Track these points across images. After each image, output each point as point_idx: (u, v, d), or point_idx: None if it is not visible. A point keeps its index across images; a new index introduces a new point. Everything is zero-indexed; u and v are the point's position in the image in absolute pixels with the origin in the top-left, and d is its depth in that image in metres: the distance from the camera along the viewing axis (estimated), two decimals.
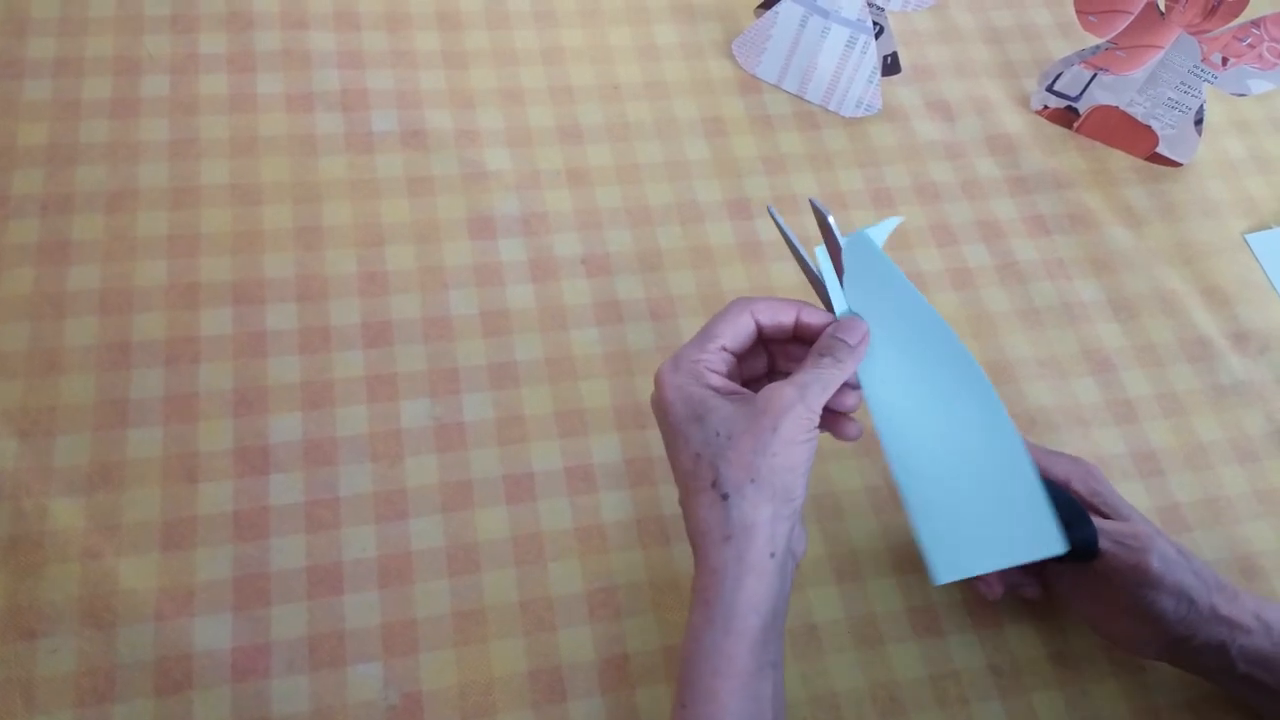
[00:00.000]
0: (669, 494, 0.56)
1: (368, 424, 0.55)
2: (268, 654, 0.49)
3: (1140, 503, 0.59)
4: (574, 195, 0.65)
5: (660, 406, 0.44)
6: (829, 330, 0.45)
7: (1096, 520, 0.48)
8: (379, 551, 0.52)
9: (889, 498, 0.57)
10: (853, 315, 0.47)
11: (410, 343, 0.58)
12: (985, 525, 0.45)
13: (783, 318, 0.46)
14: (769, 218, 0.66)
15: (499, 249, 0.62)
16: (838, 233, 0.46)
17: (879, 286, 0.46)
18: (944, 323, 0.45)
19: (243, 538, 0.52)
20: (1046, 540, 0.44)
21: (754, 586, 0.41)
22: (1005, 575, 0.52)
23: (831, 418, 0.46)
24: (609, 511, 0.55)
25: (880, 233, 0.47)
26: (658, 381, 0.44)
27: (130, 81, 0.65)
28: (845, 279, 0.47)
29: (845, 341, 0.45)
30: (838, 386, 0.44)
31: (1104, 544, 0.47)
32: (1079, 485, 0.50)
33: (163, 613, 0.49)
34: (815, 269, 0.47)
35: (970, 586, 0.52)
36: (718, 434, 0.42)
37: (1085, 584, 0.50)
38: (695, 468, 0.42)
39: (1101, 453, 0.60)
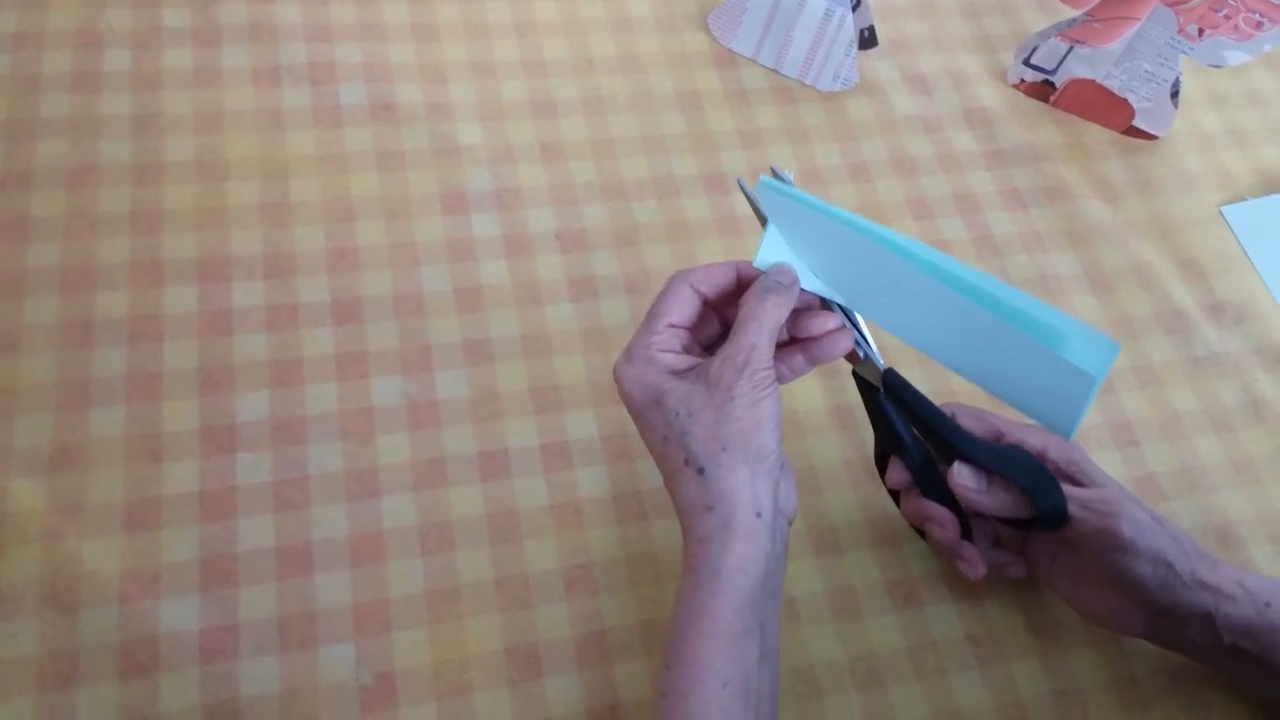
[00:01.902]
0: (645, 469, 0.55)
1: (337, 402, 0.54)
2: (236, 635, 0.48)
3: (1117, 473, 0.59)
4: (548, 170, 0.64)
5: (623, 399, 0.45)
6: (763, 274, 0.45)
7: (1067, 488, 0.47)
8: (350, 531, 0.51)
9: (866, 471, 0.57)
10: (780, 264, 0.46)
11: (381, 319, 0.57)
12: (1046, 379, 0.43)
13: (722, 280, 0.46)
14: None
15: (472, 224, 0.61)
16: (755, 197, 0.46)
17: (805, 225, 0.45)
18: (865, 227, 0.44)
19: (209, 518, 0.50)
20: (1085, 376, 0.42)
21: (741, 549, 0.41)
22: (991, 555, 0.51)
23: (807, 345, 0.47)
24: (585, 488, 0.54)
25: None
26: (615, 376, 0.45)
27: (92, 55, 0.63)
28: (782, 232, 0.46)
29: (779, 281, 0.45)
30: (780, 324, 0.44)
31: (1074, 509, 0.47)
32: (1055, 454, 0.49)
33: (127, 595, 0.48)
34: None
35: (951, 565, 0.52)
36: (678, 414, 0.42)
37: (1062, 559, 0.50)
38: (665, 450, 0.43)
39: None
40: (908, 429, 0.50)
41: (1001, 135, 0.71)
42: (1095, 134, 0.72)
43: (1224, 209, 0.70)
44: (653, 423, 0.43)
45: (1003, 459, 0.47)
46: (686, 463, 0.42)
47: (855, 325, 0.48)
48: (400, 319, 0.57)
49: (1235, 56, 0.64)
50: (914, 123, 0.70)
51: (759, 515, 0.41)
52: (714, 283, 0.46)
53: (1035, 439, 0.49)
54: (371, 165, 0.62)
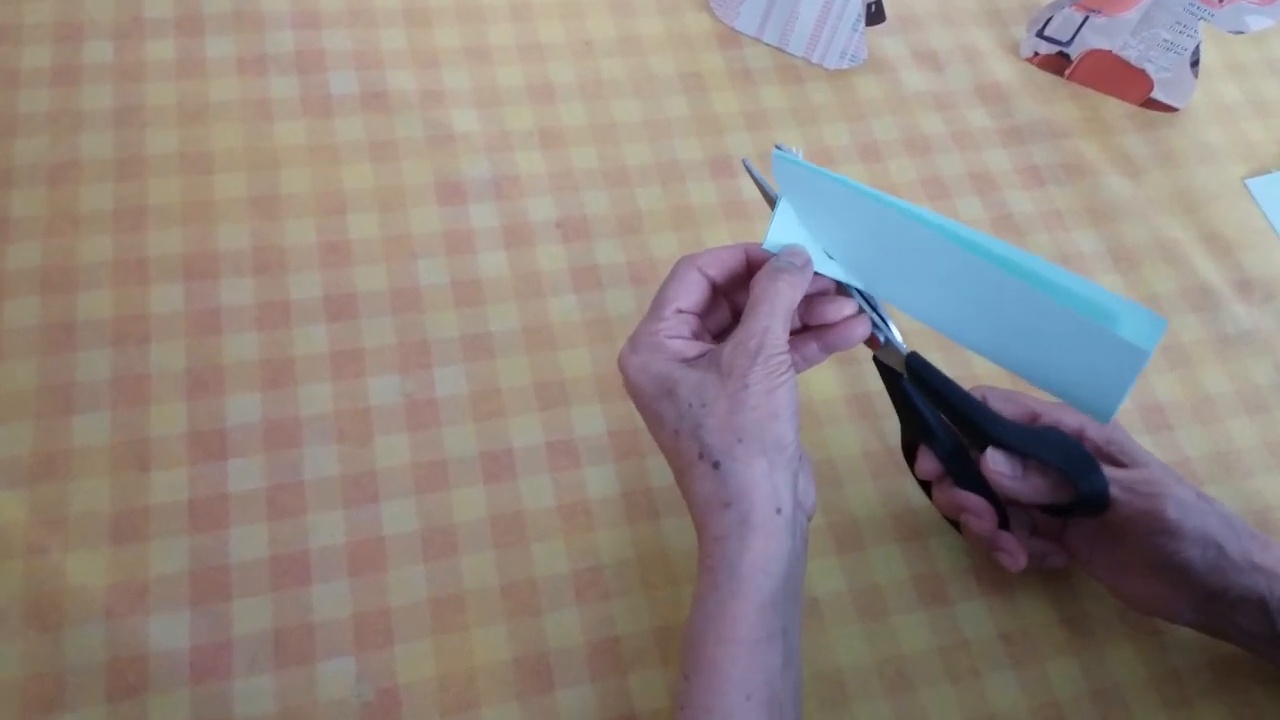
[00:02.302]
0: (656, 466, 0.53)
1: (333, 403, 0.52)
2: (229, 652, 0.46)
3: None
4: (547, 157, 0.61)
5: (629, 391, 0.42)
6: (771, 261, 0.43)
7: (1108, 470, 0.45)
8: (348, 538, 0.49)
9: (888, 462, 0.54)
10: (792, 245, 0.44)
11: (377, 316, 0.55)
12: (1087, 360, 0.40)
13: (731, 263, 0.44)
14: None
15: (469, 214, 0.59)
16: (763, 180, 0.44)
17: (820, 200, 0.43)
18: (885, 199, 0.41)
19: (200, 528, 0.48)
20: (1136, 351, 0.39)
21: (761, 547, 0.38)
22: (1029, 544, 0.49)
23: (821, 332, 0.44)
24: (594, 487, 0.52)
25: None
26: (620, 366, 0.42)
27: (72, 48, 0.61)
28: (795, 210, 0.44)
29: (792, 262, 0.42)
30: (793, 306, 0.42)
31: (1115, 492, 0.44)
32: (1093, 434, 0.46)
33: (114, 611, 0.45)
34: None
35: (990, 557, 0.49)
36: (691, 405, 0.40)
37: (1105, 544, 0.47)
38: (677, 444, 0.40)
39: None
40: (935, 415, 0.47)
41: (1017, 111, 0.68)
42: (1113, 107, 0.70)
43: (1248, 181, 0.67)
44: (663, 415, 0.41)
45: (1038, 441, 0.45)
46: (701, 456, 0.39)
47: (874, 309, 0.45)
48: (396, 314, 0.55)
49: (1258, 21, 0.61)
50: (925, 100, 0.68)
51: (779, 511, 0.39)
52: (723, 266, 0.44)
53: (1072, 419, 0.47)
54: (364, 155, 0.59)
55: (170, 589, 0.46)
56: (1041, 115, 0.68)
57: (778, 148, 0.44)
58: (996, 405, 0.47)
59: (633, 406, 0.53)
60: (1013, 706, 0.49)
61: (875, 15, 0.67)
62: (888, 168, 0.65)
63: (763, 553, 0.38)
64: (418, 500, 0.50)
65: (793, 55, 0.68)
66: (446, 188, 0.59)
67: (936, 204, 0.64)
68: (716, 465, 0.39)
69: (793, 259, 0.43)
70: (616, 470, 0.52)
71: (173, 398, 0.51)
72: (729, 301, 0.46)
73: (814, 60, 0.68)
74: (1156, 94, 0.69)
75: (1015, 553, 0.48)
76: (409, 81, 0.62)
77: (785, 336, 0.41)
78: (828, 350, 0.45)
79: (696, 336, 0.43)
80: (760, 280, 0.42)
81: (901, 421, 0.49)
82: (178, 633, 0.46)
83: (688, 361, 0.41)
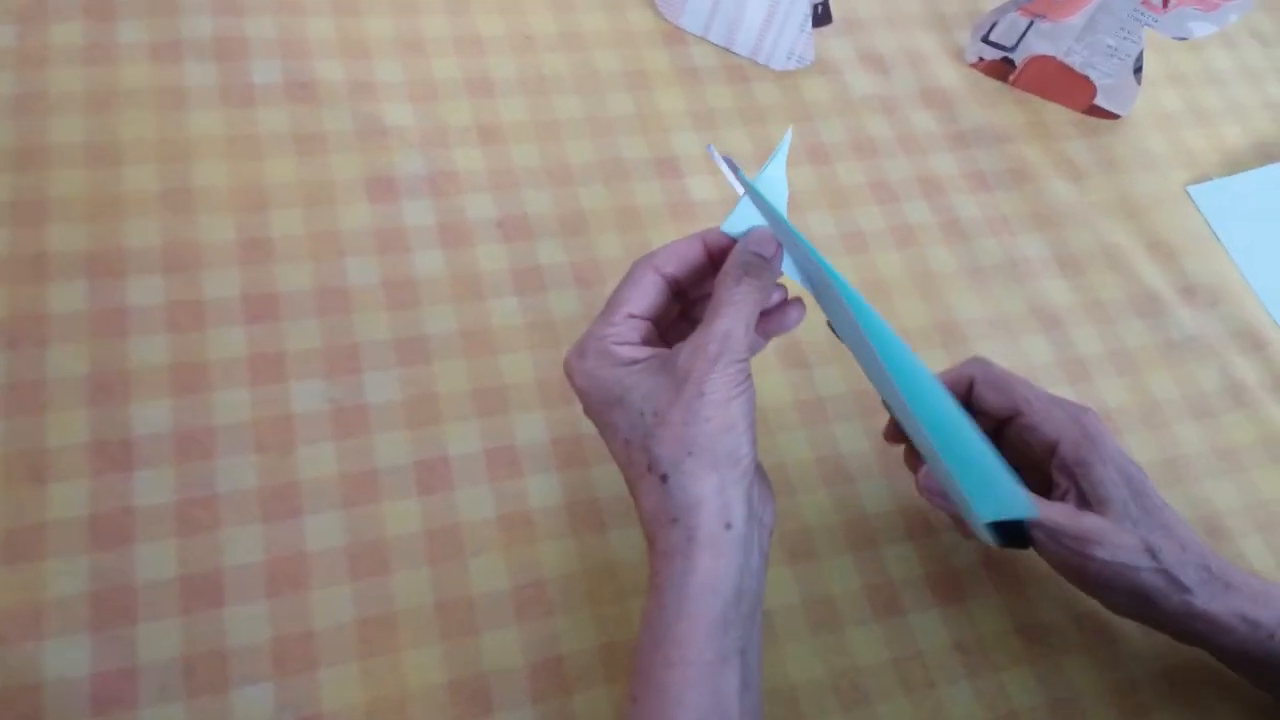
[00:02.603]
0: (602, 475, 0.50)
1: (251, 410, 0.48)
2: (134, 680, 0.42)
3: None
4: (486, 153, 0.59)
5: (578, 396, 0.40)
6: (740, 247, 0.40)
7: (1047, 508, 0.43)
8: (267, 555, 0.45)
9: (841, 469, 0.52)
10: (758, 228, 0.41)
11: (300, 317, 0.51)
12: (979, 479, 0.41)
13: (689, 256, 0.41)
14: (700, 175, 0.61)
15: (402, 212, 0.55)
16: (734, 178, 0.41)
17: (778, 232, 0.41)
18: (838, 284, 0.39)
19: (102, 545, 0.44)
20: (1018, 504, 0.41)
21: (709, 565, 0.36)
22: (937, 502, 0.46)
23: (764, 320, 0.42)
24: (536, 497, 0.49)
25: (778, 166, 0.42)
26: (566, 371, 0.40)
27: None
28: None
29: (761, 255, 0.40)
30: (758, 311, 0.39)
31: (1039, 537, 0.43)
32: (1067, 452, 0.45)
33: (5, 636, 0.41)
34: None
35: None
36: (642, 413, 0.37)
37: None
38: (628, 454, 0.38)
39: None
40: None
41: (962, 116, 0.68)
42: (1056, 113, 0.70)
43: (1190, 188, 0.68)
44: (614, 424, 0.38)
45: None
46: (650, 469, 0.37)
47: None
48: (323, 316, 0.51)
49: (1201, 28, 0.62)
50: (872, 103, 0.67)
51: (729, 527, 0.37)
52: (681, 261, 0.41)
53: (1050, 427, 0.45)
54: (288, 148, 0.56)
55: (68, 612, 0.42)
56: (986, 120, 0.68)
57: (710, 149, 0.42)
58: (983, 393, 0.46)
59: (577, 412, 0.51)
60: (969, 718, 0.47)
61: (822, 17, 0.66)
62: (835, 170, 0.63)
63: (711, 570, 0.36)
64: (345, 514, 0.47)
65: (739, 55, 0.67)
66: (378, 184, 0.56)
67: (885, 207, 0.63)
68: (664, 479, 0.37)
69: (760, 249, 0.40)
70: (560, 480, 0.50)
71: (72, 404, 0.46)
72: (688, 298, 0.43)
73: (760, 61, 0.67)
74: (1100, 100, 0.69)
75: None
76: (337, 72, 0.59)
77: (747, 342, 0.38)
78: (766, 336, 0.43)
79: (647, 342, 0.40)
80: (725, 280, 0.39)
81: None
82: (77, 660, 0.41)
83: (638, 365, 0.39)
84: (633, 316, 0.40)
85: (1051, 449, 0.45)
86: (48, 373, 0.47)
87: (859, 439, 0.53)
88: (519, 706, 0.44)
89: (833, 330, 0.44)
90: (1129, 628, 0.51)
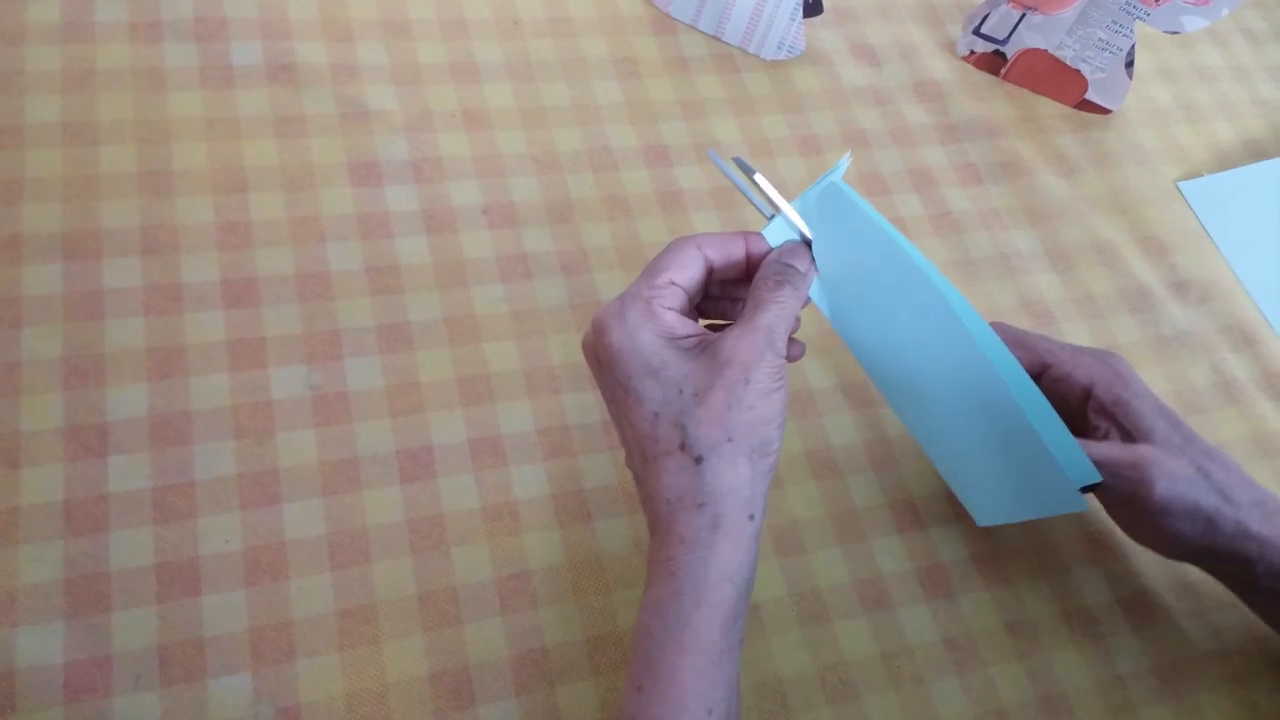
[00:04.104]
0: (588, 466, 0.49)
1: (229, 395, 0.47)
2: (109, 668, 0.40)
3: None
4: (472, 139, 0.58)
5: (606, 356, 0.38)
6: (774, 257, 0.40)
7: (1097, 448, 0.44)
8: (245, 544, 0.44)
9: (830, 462, 0.52)
10: (791, 242, 0.42)
11: (281, 302, 0.50)
12: (1006, 482, 0.43)
13: (731, 249, 0.41)
14: (689, 165, 0.60)
15: (386, 197, 0.54)
16: (757, 197, 0.42)
17: (853, 240, 0.41)
18: (929, 275, 0.40)
19: (76, 531, 0.43)
20: (1069, 501, 0.43)
21: (730, 554, 0.35)
22: None
23: None
24: (521, 488, 0.48)
25: (837, 177, 0.43)
26: (600, 326, 0.38)
27: None
28: (815, 236, 0.42)
29: (795, 268, 0.39)
30: (795, 316, 0.40)
31: (1102, 474, 0.43)
32: (1102, 394, 0.45)
33: None
34: (768, 208, 0.42)
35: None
36: (680, 391, 0.37)
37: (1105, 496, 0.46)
38: (654, 429, 0.37)
39: None
40: None
41: (953, 109, 0.67)
42: (1047, 107, 0.69)
43: (1181, 184, 0.67)
44: (643, 394, 0.37)
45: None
46: (683, 447, 0.36)
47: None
48: (304, 301, 0.50)
49: (1193, 22, 0.61)
50: (863, 94, 0.66)
51: (751, 519, 0.36)
52: (722, 250, 0.41)
53: (1082, 373, 0.46)
54: (268, 131, 0.54)
55: (42, 599, 0.41)
56: (978, 113, 0.67)
57: (736, 159, 0.42)
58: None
59: (563, 402, 0.51)
60: (958, 714, 0.47)
61: (813, 7, 0.65)
62: (826, 161, 0.63)
63: (732, 560, 0.36)
64: (325, 502, 0.46)
65: (729, 44, 0.66)
66: (360, 168, 0.55)
67: (877, 200, 0.62)
68: (699, 460, 0.36)
69: (795, 261, 0.40)
70: (546, 470, 0.49)
71: (47, 388, 0.45)
72: (720, 292, 0.43)
73: (750, 50, 0.66)
74: (1091, 95, 0.68)
75: None
76: (319, 54, 0.58)
77: (785, 343, 0.39)
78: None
79: (686, 315, 0.40)
80: (767, 283, 0.39)
81: None
82: (50, 647, 0.40)
83: (677, 341, 0.38)
84: (674, 284, 0.39)
85: (1086, 394, 0.45)
86: (22, 355, 0.46)
87: (849, 432, 0.53)
88: (502, 699, 0.43)
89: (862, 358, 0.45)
90: (1117, 625, 0.50)
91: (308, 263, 0.51)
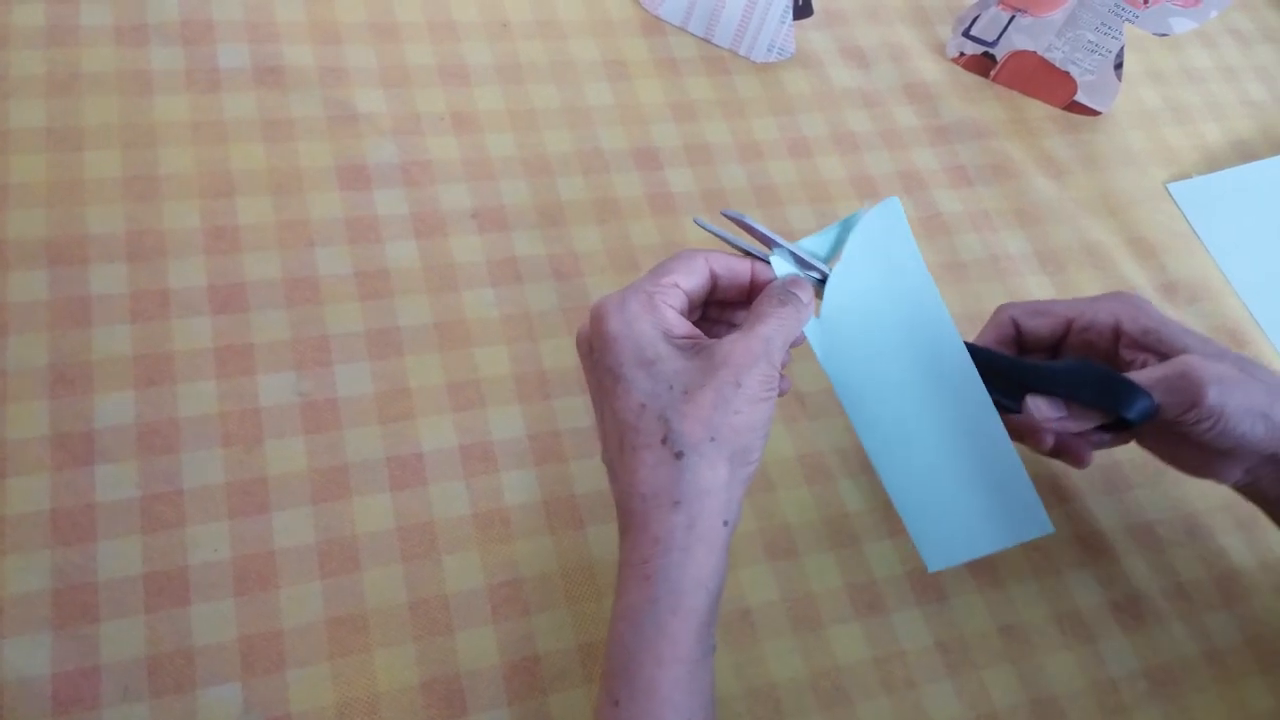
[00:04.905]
0: (580, 471, 0.49)
1: (217, 403, 0.47)
2: (97, 680, 0.40)
3: None
4: (461, 142, 0.57)
5: (599, 343, 0.38)
6: (780, 282, 0.40)
7: (1145, 375, 0.43)
8: (234, 552, 0.44)
9: (822, 466, 0.52)
10: (796, 275, 0.42)
11: (269, 308, 0.50)
12: (973, 510, 0.43)
13: (738, 270, 0.41)
14: (680, 167, 0.60)
15: (374, 201, 0.54)
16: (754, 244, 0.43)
17: (880, 265, 0.42)
18: (941, 304, 0.42)
19: (63, 541, 0.42)
20: (1035, 523, 0.43)
21: (705, 559, 0.35)
22: (1059, 427, 0.46)
23: None
24: (512, 494, 0.48)
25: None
26: (598, 313, 0.38)
27: None
28: (843, 257, 0.43)
29: (799, 296, 0.40)
30: (792, 339, 0.39)
31: (1158, 398, 0.43)
32: (1130, 327, 0.45)
33: None
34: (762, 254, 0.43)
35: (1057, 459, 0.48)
36: (670, 387, 0.36)
37: (1155, 429, 0.46)
38: (638, 420, 0.36)
39: None
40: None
41: (944, 111, 0.67)
42: (1037, 109, 0.69)
43: (1170, 186, 0.68)
44: (632, 382, 0.37)
45: (1072, 383, 0.44)
46: (664, 442, 0.36)
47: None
48: (292, 307, 0.50)
49: (1182, 24, 0.61)
50: (853, 96, 0.66)
51: (726, 524, 0.36)
52: (728, 267, 0.41)
53: (1105, 314, 0.46)
54: (255, 134, 0.54)
55: (28, 609, 0.41)
56: (968, 116, 0.67)
57: (725, 213, 0.42)
58: (1027, 322, 0.47)
59: (554, 408, 0.50)
60: (950, 718, 0.47)
61: (803, 9, 0.65)
62: (816, 164, 0.63)
63: (706, 565, 0.35)
64: (314, 510, 0.45)
65: (719, 47, 0.66)
66: (349, 171, 0.55)
67: (867, 201, 0.62)
68: (680, 456, 0.36)
69: (799, 292, 0.40)
70: (537, 475, 0.48)
71: (32, 396, 0.45)
72: (717, 315, 0.43)
73: (741, 52, 0.66)
74: (1080, 97, 0.68)
75: (1042, 436, 0.47)
76: (307, 57, 0.57)
77: (782, 357, 0.39)
78: None
79: (685, 315, 0.40)
80: (770, 300, 0.40)
81: None
82: (37, 658, 0.40)
83: (674, 340, 0.38)
84: (678, 286, 0.39)
85: (1115, 333, 0.46)
86: (7, 364, 0.45)
87: (841, 436, 0.53)
88: (494, 707, 0.43)
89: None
90: (1109, 628, 0.50)
91: (296, 267, 0.51)
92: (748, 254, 0.42)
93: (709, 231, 0.43)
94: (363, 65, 0.58)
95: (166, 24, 0.56)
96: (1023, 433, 0.47)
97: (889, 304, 0.43)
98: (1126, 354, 0.46)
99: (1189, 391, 0.42)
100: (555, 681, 0.44)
